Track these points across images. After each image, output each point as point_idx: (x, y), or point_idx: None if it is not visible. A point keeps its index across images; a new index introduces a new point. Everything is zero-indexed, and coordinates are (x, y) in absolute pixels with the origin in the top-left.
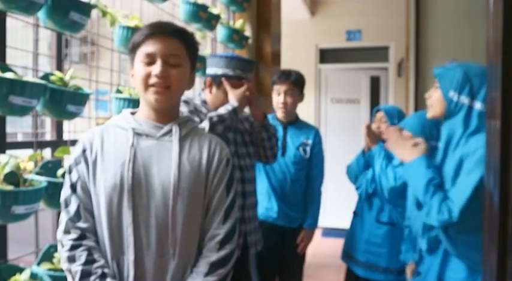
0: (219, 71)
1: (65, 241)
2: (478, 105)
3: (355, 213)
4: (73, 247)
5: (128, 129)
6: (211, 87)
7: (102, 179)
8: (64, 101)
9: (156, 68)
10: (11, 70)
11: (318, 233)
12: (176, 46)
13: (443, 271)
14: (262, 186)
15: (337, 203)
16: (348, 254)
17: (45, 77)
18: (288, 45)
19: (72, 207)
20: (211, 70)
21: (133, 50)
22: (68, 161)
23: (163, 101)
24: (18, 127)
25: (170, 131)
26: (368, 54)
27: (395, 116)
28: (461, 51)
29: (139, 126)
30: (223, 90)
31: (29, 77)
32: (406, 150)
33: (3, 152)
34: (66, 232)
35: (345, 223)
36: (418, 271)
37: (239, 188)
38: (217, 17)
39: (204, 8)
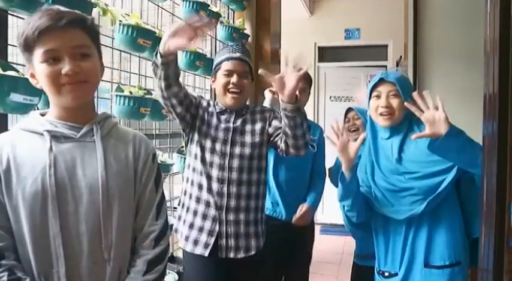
0: (223, 57)
1: None
2: None
3: None
4: None
5: (43, 132)
6: (215, 77)
7: (19, 189)
8: None
9: (66, 67)
10: (12, 68)
11: (316, 229)
12: (80, 36)
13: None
14: (269, 182)
15: (335, 200)
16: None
17: None
18: (287, 43)
19: None
20: (215, 62)
21: (26, 49)
22: None
23: (81, 97)
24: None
25: (91, 130)
26: (366, 53)
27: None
28: (458, 49)
29: (55, 128)
30: (221, 74)
31: None
32: (436, 124)
33: None
34: None
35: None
36: None
37: (255, 191)
38: (217, 16)
39: (204, 6)
